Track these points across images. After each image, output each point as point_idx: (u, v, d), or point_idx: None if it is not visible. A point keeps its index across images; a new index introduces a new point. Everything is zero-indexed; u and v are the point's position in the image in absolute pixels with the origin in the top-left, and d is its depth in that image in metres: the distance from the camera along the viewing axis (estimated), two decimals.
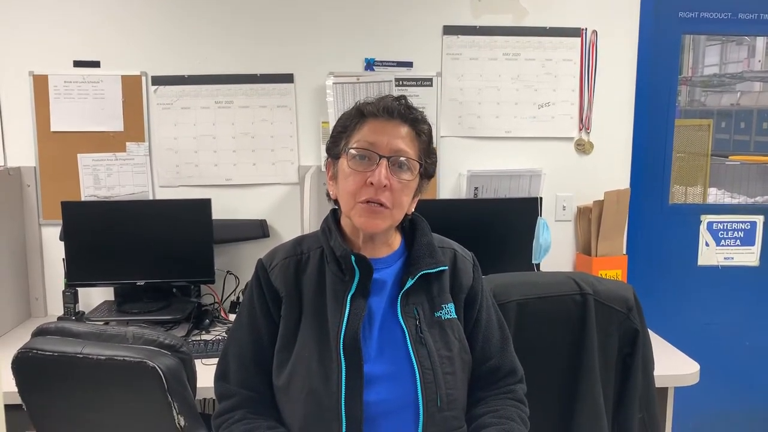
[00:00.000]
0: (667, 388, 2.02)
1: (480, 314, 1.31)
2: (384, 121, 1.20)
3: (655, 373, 1.72)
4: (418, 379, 1.16)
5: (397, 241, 1.30)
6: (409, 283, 1.22)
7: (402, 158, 1.19)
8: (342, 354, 1.15)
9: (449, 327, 1.23)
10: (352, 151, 1.19)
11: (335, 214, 1.29)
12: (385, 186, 1.17)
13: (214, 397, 1.30)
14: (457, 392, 1.21)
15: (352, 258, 1.20)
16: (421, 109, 1.27)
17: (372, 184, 1.16)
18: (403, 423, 1.16)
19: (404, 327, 1.20)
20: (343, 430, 1.13)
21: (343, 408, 1.13)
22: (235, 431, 1.20)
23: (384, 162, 1.17)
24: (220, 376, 1.29)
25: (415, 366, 1.17)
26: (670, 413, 2.06)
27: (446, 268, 1.27)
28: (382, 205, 1.18)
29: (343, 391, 1.13)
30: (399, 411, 1.16)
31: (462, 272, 1.31)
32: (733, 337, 2.85)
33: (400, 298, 1.22)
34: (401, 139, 1.20)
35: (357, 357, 1.15)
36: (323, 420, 1.13)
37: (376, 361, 1.17)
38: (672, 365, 2.05)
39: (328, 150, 1.29)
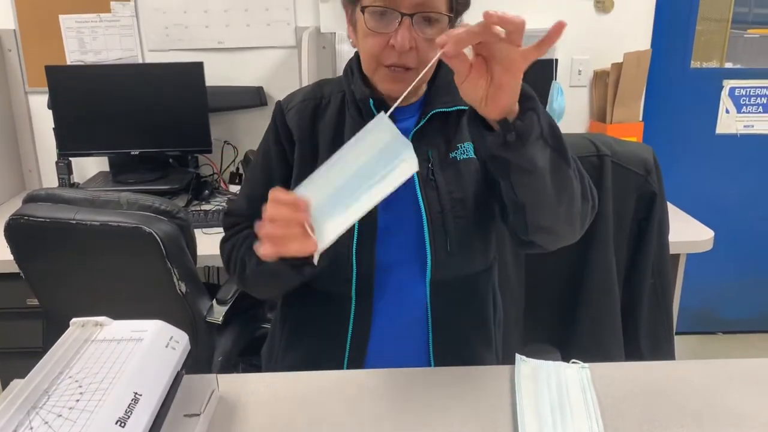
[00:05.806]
0: (679, 254, 1.98)
1: None
2: None
3: (669, 239, 1.66)
4: (425, 224, 1.10)
5: (425, 86, 1.16)
6: (422, 122, 1.11)
7: (428, 14, 1.01)
8: None
9: (465, 167, 1.13)
10: (368, 10, 1.01)
11: (360, 55, 1.15)
12: (410, 48, 1.01)
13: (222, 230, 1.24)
14: (471, 236, 1.13)
15: (371, 102, 1.09)
16: None
17: (394, 46, 1.01)
18: (413, 270, 1.12)
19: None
20: (354, 277, 1.10)
21: (353, 256, 1.09)
22: (240, 239, 1.17)
23: (407, 21, 1.00)
24: (228, 212, 1.24)
25: (423, 211, 1.10)
26: (680, 280, 2.03)
27: (465, 107, 1.11)
28: (407, 68, 1.04)
29: (355, 240, 1.09)
30: (409, 258, 1.12)
31: None
32: (748, 207, 2.79)
33: (411, 138, 1.10)
34: None
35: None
36: (334, 267, 1.08)
37: (386, 209, 1.09)
38: (686, 231, 1.99)
39: None
